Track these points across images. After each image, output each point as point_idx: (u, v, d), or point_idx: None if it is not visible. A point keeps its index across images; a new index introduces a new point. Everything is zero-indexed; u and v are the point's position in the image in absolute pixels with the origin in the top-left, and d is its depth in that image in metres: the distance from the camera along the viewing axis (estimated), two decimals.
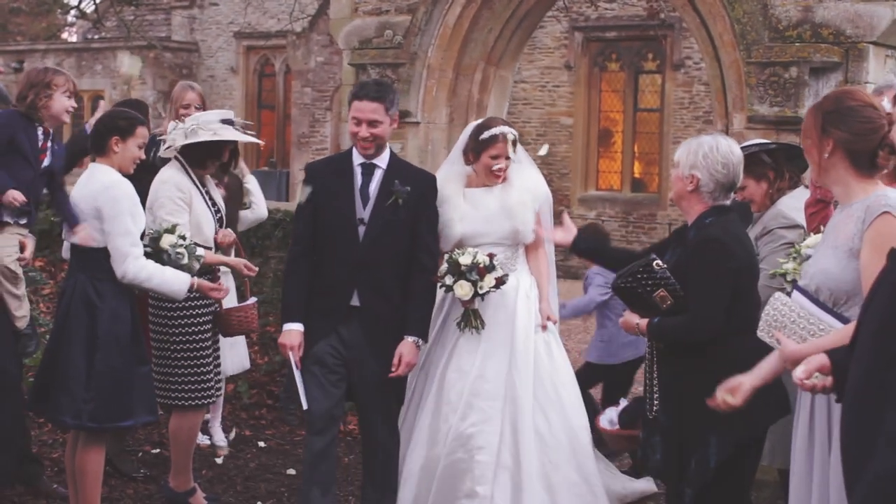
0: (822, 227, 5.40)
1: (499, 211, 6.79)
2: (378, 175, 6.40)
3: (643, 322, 5.70)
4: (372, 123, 6.27)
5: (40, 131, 6.50)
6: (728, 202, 5.64)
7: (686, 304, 5.49)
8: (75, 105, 6.60)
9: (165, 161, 7.25)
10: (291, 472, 7.97)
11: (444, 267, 6.55)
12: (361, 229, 6.33)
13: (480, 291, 6.48)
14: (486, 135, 6.76)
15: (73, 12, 35.00)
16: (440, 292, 6.75)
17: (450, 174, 6.99)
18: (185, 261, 6.54)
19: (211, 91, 30.77)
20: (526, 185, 6.92)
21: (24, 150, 6.41)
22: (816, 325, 4.33)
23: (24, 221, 6.51)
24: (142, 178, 6.80)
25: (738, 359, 5.31)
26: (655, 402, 5.86)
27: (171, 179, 7.03)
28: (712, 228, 5.53)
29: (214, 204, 7.21)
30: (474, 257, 6.47)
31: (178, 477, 7.26)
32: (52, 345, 6.41)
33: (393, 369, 6.31)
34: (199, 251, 6.68)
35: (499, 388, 6.62)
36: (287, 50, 30.39)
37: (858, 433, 3.54)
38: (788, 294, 4.76)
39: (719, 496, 5.58)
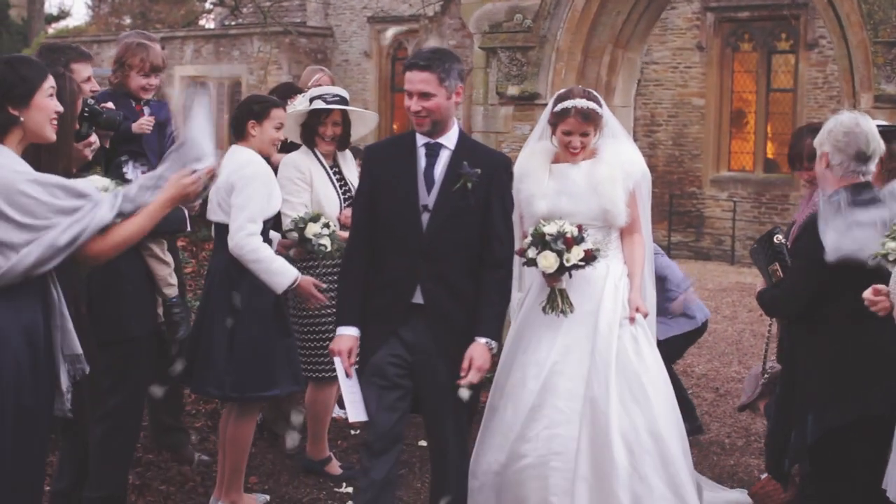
0: None
1: (586, 188, 6.19)
2: (444, 156, 5.68)
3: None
4: (423, 96, 5.54)
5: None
6: (864, 179, 5.54)
7: None
8: (153, 82, 6.62)
9: (297, 145, 7.60)
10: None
11: (527, 240, 6.01)
12: (425, 217, 5.61)
13: (567, 264, 5.88)
14: (558, 108, 6.19)
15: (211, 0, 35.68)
16: (521, 282, 6.36)
17: (535, 150, 6.44)
18: (329, 249, 6.80)
19: (345, 75, 31.22)
20: (619, 159, 6.29)
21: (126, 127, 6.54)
22: None
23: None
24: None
25: (847, 342, 5.42)
26: (768, 368, 6.07)
27: (292, 161, 7.39)
28: None
29: (345, 184, 7.47)
30: (561, 227, 5.91)
31: (315, 445, 7.59)
32: (197, 320, 6.72)
33: (462, 374, 5.56)
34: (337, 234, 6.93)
35: (578, 387, 5.98)
36: (420, 34, 30.67)
37: None
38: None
39: (829, 476, 5.64)
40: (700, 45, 25.86)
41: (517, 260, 6.17)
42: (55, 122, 4.58)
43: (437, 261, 5.60)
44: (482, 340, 5.60)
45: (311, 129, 7.47)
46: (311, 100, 7.47)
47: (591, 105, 6.14)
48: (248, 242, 6.42)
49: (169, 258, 6.53)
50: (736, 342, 13.60)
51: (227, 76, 33.36)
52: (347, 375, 5.71)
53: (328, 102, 7.41)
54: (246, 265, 6.46)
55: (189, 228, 6.64)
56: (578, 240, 5.90)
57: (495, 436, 6.13)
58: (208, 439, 8.08)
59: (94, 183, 4.88)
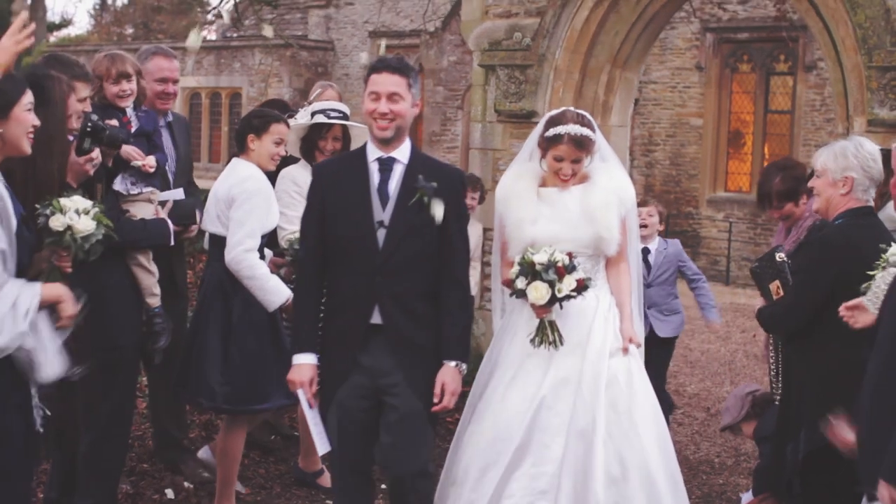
0: None
1: (579, 214, 5.87)
2: (398, 171, 5.48)
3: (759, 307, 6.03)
4: (392, 98, 5.38)
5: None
6: (871, 204, 5.72)
7: None
8: (124, 88, 6.55)
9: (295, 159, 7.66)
10: None
11: (515, 269, 5.67)
12: (381, 233, 5.40)
13: (559, 295, 5.55)
14: (550, 133, 5.85)
15: (213, 12, 35.80)
16: (502, 306, 6.17)
17: (522, 172, 6.10)
18: None
19: (345, 89, 31.28)
20: (613, 185, 5.98)
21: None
22: None
23: (149, 189, 6.59)
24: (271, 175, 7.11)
25: (837, 361, 5.51)
26: (777, 389, 6.16)
27: (289, 174, 7.47)
28: (830, 231, 5.69)
29: None
30: (551, 255, 5.58)
31: (308, 458, 7.64)
32: (191, 331, 6.77)
33: (435, 400, 5.41)
34: None
35: (565, 422, 5.64)
36: (420, 49, 30.79)
37: (879, 416, 3.81)
38: None
39: (821, 488, 5.73)
40: (699, 65, 25.98)
41: (500, 288, 6.10)
42: (31, 135, 4.64)
43: (394, 278, 5.40)
44: (451, 364, 5.46)
45: (312, 142, 7.55)
46: (313, 114, 7.55)
47: (585, 132, 5.83)
48: (245, 258, 6.47)
49: (154, 268, 6.56)
50: (728, 362, 13.67)
51: (228, 87, 33.49)
52: (310, 406, 5.55)
53: (330, 117, 7.48)
54: (241, 280, 6.51)
55: (172, 243, 6.65)
56: (570, 269, 5.60)
57: (473, 474, 5.76)
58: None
59: (76, 204, 4.95)
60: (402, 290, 5.42)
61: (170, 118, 7.49)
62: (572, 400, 5.64)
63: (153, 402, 7.87)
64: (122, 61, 6.57)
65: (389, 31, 31.84)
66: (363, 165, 5.50)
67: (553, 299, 5.58)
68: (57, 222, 4.86)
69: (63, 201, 4.93)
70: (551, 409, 5.65)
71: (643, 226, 8.17)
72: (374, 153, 5.51)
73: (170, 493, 7.25)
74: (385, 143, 5.46)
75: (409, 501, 5.54)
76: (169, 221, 6.57)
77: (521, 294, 5.64)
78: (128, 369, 6.44)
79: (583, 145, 5.81)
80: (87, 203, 5.03)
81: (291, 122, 7.53)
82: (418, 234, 5.41)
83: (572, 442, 5.59)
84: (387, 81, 5.38)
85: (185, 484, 7.41)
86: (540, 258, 5.58)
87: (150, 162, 6.49)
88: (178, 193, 6.98)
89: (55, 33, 48.84)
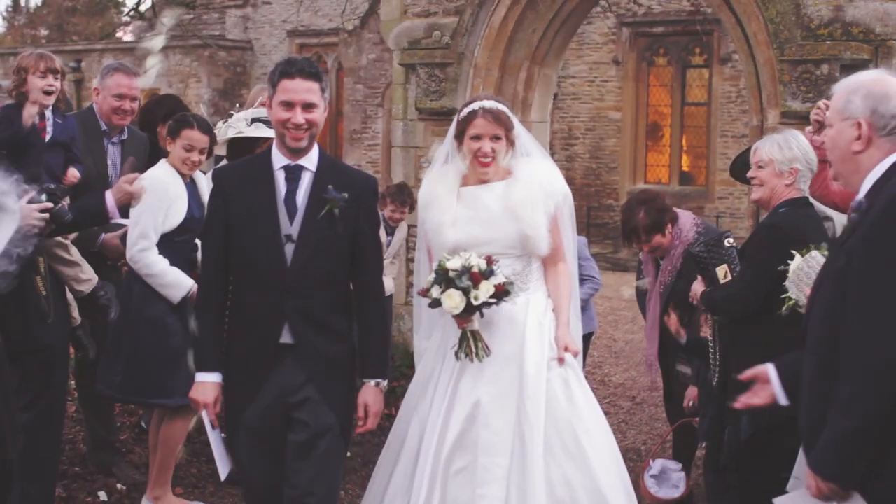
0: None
1: (501, 211, 5.49)
2: (307, 179, 5.10)
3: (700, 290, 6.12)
4: (308, 107, 4.99)
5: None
6: (807, 194, 5.89)
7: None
8: (51, 83, 6.45)
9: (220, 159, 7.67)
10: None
11: (430, 277, 5.34)
12: (289, 248, 5.03)
13: (475, 303, 5.16)
14: (464, 112, 5.53)
15: (129, 13, 35.55)
16: (420, 327, 5.88)
17: (442, 172, 5.73)
18: None
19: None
20: (537, 178, 5.56)
21: (25, 132, 6.36)
22: None
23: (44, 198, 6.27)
24: None
25: (783, 343, 5.66)
26: (716, 372, 6.28)
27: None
28: (777, 217, 5.84)
29: None
30: (466, 260, 5.21)
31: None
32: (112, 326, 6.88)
33: (360, 423, 5.18)
34: None
35: (505, 441, 5.26)
36: (339, 48, 30.80)
37: (813, 409, 3.97)
38: None
39: (754, 470, 5.87)
40: (616, 59, 26.30)
41: (422, 303, 5.70)
42: None
43: (304, 296, 5.04)
44: (371, 383, 5.20)
45: (246, 148, 7.43)
46: (253, 120, 7.53)
47: (500, 106, 5.52)
48: (141, 258, 6.58)
49: (75, 256, 6.54)
50: None
51: (146, 89, 33.25)
52: (213, 427, 5.25)
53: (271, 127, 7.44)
54: (143, 278, 6.61)
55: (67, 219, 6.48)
56: (487, 274, 5.19)
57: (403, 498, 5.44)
58: (133, 451, 8.15)
59: None
60: (313, 307, 5.08)
61: (125, 136, 7.51)
62: (513, 415, 5.31)
63: (83, 404, 7.90)
64: (51, 59, 6.60)
65: (308, 30, 31.84)
66: (268, 174, 5.12)
67: (470, 307, 5.22)
68: None
69: None
70: (487, 426, 5.29)
71: None
72: (280, 160, 5.13)
73: (103, 496, 7.26)
74: (296, 152, 5.09)
75: None
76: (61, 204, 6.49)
77: (437, 304, 5.28)
78: (59, 369, 6.46)
79: (500, 119, 5.47)
80: None
81: (223, 125, 7.54)
82: (329, 248, 5.07)
83: (518, 462, 5.26)
84: (300, 88, 4.99)
85: (118, 486, 7.42)
86: (453, 264, 5.23)
87: (72, 175, 6.52)
88: None
89: None
